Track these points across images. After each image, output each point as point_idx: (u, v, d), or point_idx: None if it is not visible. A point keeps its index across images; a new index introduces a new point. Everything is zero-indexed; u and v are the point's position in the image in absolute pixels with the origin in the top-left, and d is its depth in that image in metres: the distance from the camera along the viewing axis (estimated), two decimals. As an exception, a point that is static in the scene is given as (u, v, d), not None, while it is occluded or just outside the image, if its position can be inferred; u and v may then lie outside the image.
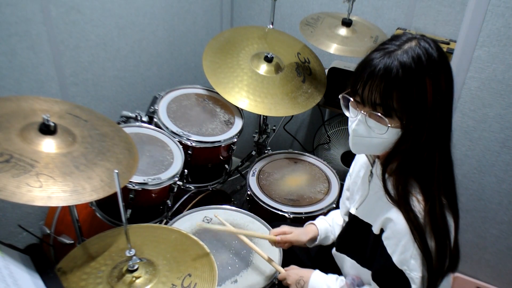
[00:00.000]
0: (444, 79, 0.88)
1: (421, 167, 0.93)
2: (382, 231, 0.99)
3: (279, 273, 1.23)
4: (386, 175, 0.97)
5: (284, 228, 1.30)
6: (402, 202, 0.93)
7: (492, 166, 1.85)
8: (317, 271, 1.18)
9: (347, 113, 0.98)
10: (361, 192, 1.11)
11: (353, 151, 1.01)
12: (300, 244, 1.29)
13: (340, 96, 0.98)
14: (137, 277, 0.96)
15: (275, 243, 1.29)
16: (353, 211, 1.13)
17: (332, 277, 1.17)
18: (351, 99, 0.95)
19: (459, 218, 0.98)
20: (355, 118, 0.94)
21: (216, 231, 1.36)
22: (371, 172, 1.07)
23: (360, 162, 1.17)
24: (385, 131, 0.90)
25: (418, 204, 0.92)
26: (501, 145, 1.79)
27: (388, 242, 0.97)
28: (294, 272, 1.20)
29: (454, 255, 0.97)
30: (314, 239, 1.31)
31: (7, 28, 1.35)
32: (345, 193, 1.28)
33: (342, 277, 1.16)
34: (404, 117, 0.88)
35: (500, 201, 1.89)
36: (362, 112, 0.92)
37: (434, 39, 0.91)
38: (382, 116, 0.89)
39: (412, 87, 0.85)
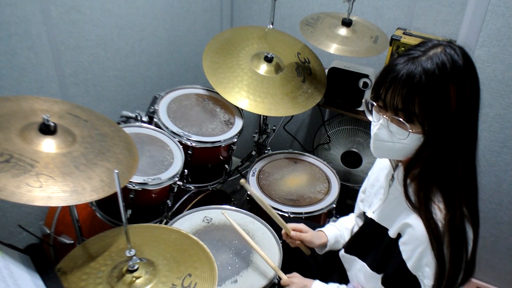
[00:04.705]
0: (469, 86, 0.87)
1: (444, 175, 0.92)
2: (399, 236, 0.99)
3: (280, 279, 1.24)
4: (408, 181, 0.96)
5: (301, 225, 1.31)
6: (423, 209, 0.92)
7: (492, 166, 1.85)
8: (317, 281, 1.19)
9: (370, 118, 0.98)
10: (379, 196, 1.11)
11: (375, 155, 1.00)
12: (312, 246, 1.30)
13: (363, 101, 0.98)
14: (137, 277, 0.96)
15: (287, 236, 1.29)
16: (369, 214, 1.12)
17: (333, 285, 1.18)
18: (374, 103, 0.94)
19: (479, 230, 0.96)
20: (377, 122, 0.94)
21: (253, 194, 1.31)
22: (392, 176, 1.06)
23: (380, 166, 1.17)
24: (406, 136, 0.90)
25: (439, 213, 0.91)
26: (501, 145, 1.79)
27: (404, 247, 0.96)
28: (298, 280, 1.21)
29: (469, 268, 0.95)
30: (324, 245, 1.31)
31: (7, 28, 1.35)
32: (360, 195, 1.28)
33: (344, 285, 1.17)
34: (426, 123, 0.87)
35: (500, 201, 1.89)
36: (384, 116, 0.92)
37: (461, 46, 0.90)
38: (403, 121, 0.88)
39: (435, 93, 0.84)
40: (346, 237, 1.32)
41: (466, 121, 0.88)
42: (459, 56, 0.86)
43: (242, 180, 1.27)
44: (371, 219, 1.11)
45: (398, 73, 0.87)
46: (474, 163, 0.94)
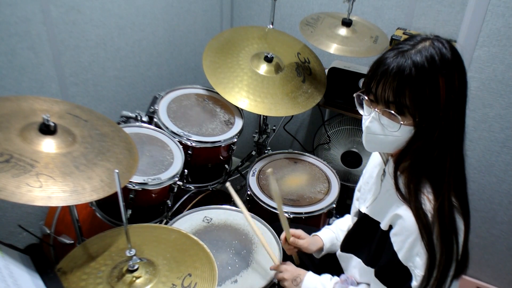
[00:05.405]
0: (457, 78, 0.89)
1: (433, 166, 0.93)
2: (390, 227, 1.00)
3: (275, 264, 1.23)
4: (398, 173, 0.98)
5: (299, 231, 1.31)
6: (412, 200, 0.93)
7: (492, 166, 1.85)
8: (311, 272, 1.20)
9: (361, 111, 0.99)
10: (373, 191, 1.12)
11: (367, 148, 1.01)
12: (308, 252, 1.30)
13: (354, 95, 0.99)
14: (137, 277, 0.96)
15: (285, 242, 1.29)
16: (363, 210, 1.13)
17: (327, 276, 1.19)
18: (365, 97, 0.96)
19: (470, 223, 0.97)
20: (369, 116, 0.95)
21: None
22: (384, 171, 1.07)
23: (373, 163, 1.18)
24: (398, 128, 0.91)
25: (428, 203, 0.92)
26: (501, 145, 1.79)
27: (395, 238, 0.97)
28: (292, 268, 1.21)
29: (462, 260, 0.96)
30: (320, 249, 1.32)
31: (7, 28, 1.35)
32: (356, 194, 1.29)
33: (336, 277, 1.18)
34: (417, 115, 0.89)
35: (500, 201, 1.89)
36: (376, 109, 0.93)
37: (448, 39, 0.92)
38: (395, 113, 0.90)
39: (424, 85, 0.86)
40: (342, 239, 1.32)
41: (455, 111, 0.90)
42: (446, 49, 0.89)
43: (269, 170, 1.14)
44: (364, 214, 1.12)
45: (388, 67, 0.88)
46: (462, 153, 0.96)
